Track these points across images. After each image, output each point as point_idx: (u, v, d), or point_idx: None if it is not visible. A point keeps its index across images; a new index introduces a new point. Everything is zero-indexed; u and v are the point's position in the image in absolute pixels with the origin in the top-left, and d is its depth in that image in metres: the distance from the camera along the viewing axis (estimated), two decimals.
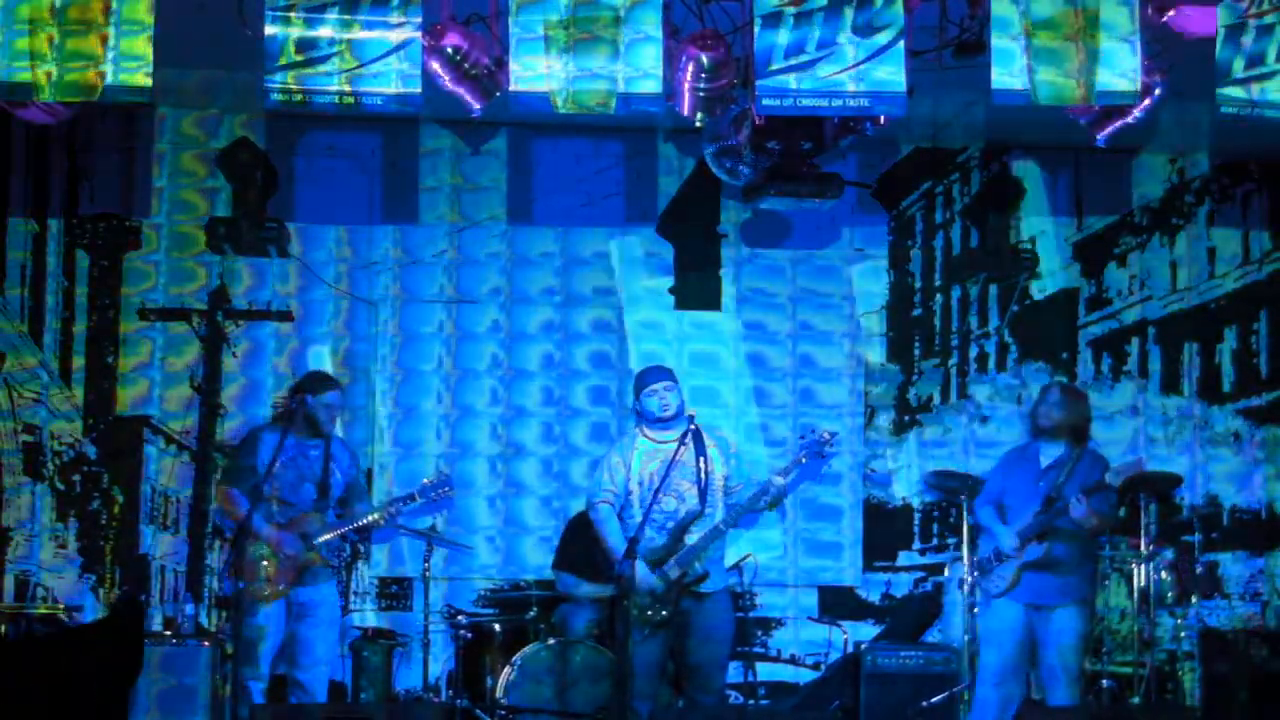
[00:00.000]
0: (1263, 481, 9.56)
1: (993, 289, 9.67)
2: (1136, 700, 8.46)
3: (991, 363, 9.63)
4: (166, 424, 9.10)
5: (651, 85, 6.28)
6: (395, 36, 6.16)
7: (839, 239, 9.56)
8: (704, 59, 6.44)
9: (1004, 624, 7.55)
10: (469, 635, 8.19)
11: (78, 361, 9.09)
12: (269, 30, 6.14)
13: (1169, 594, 8.75)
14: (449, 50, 6.34)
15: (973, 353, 9.64)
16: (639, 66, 6.24)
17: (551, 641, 8.00)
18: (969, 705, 8.06)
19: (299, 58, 6.15)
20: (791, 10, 6.22)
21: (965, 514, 8.62)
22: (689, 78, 6.51)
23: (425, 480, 7.85)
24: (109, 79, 6.07)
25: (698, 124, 7.06)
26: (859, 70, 6.24)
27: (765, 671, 9.21)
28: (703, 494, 7.34)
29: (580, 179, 9.43)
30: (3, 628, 8.09)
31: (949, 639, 8.85)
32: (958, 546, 8.87)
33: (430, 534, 8.24)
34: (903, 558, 9.48)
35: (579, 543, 8.39)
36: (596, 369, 9.38)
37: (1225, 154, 9.64)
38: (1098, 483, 7.38)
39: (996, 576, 7.56)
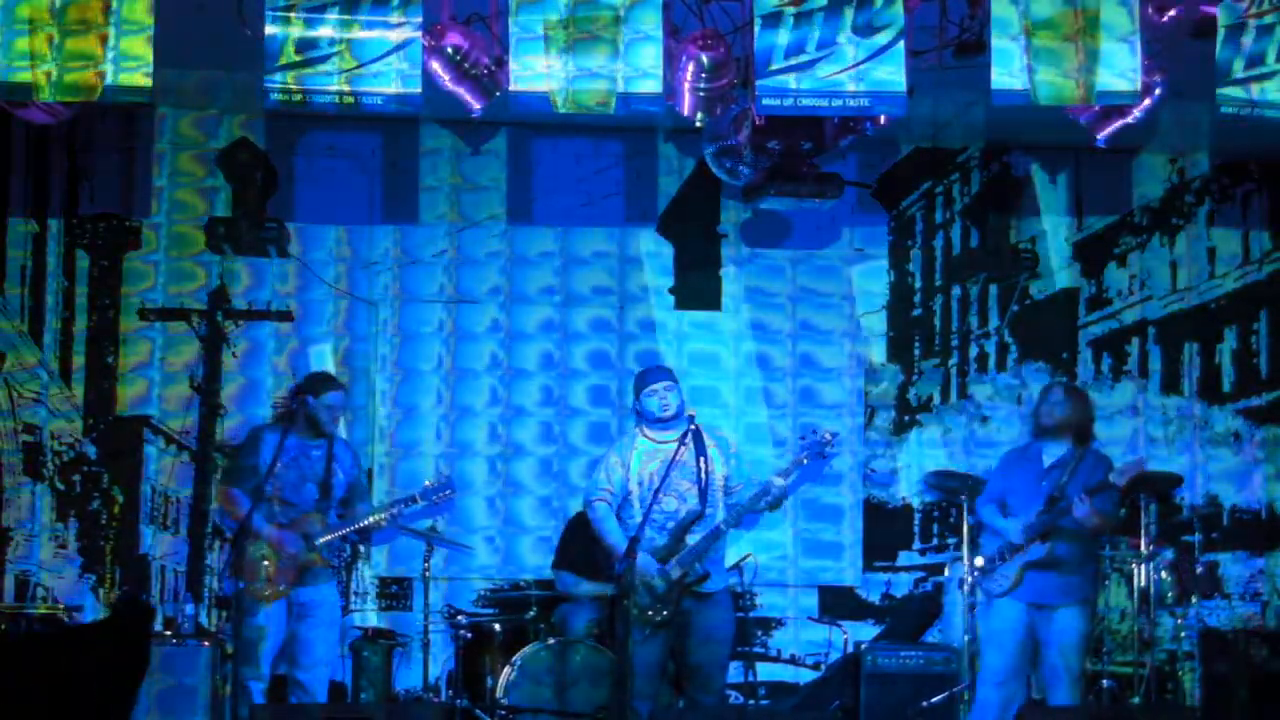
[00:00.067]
0: (1263, 481, 9.56)
1: (993, 289, 9.67)
2: (1136, 700, 8.46)
3: (991, 363, 9.63)
4: (166, 424, 9.10)
5: (651, 85, 6.28)
6: (395, 36, 6.17)
7: (839, 239, 9.56)
8: (704, 59, 6.45)
9: (1006, 624, 7.55)
10: (469, 635, 8.18)
11: (78, 361, 9.09)
12: (269, 30, 6.15)
13: (1169, 594, 8.75)
14: (449, 50, 6.34)
15: (973, 353, 9.64)
16: (639, 66, 6.24)
17: (551, 641, 8.00)
18: (969, 705, 8.06)
19: (299, 58, 6.15)
20: (791, 10, 6.22)
21: (965, 514, 8.62)
22: (689, 78, 6.51)
23: (427, 482, 7.85)
24: (109, 79, 6.07)
25: (698, 124, 7.06)
26: (859, 70, 6.24)
27: (765, 671, 9.21)
28: (703, 494, 7.34)
29: (580, 179, 9.43)
30: (3, 627, 8.10)
31: (949, 639, 8.85)
32: (958, 546, 8.87)
33: (430, 534, 8.24)
34: (903, 558, 9.48)
35: (579, 542, 8.39)
36: (596, 369, 9.38)
37: (1225, 154, 9.64)
38: (1101, 482, 7.38)
39: (999, 576, 7.56)
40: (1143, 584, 8.54)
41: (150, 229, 9.20)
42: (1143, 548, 8.59)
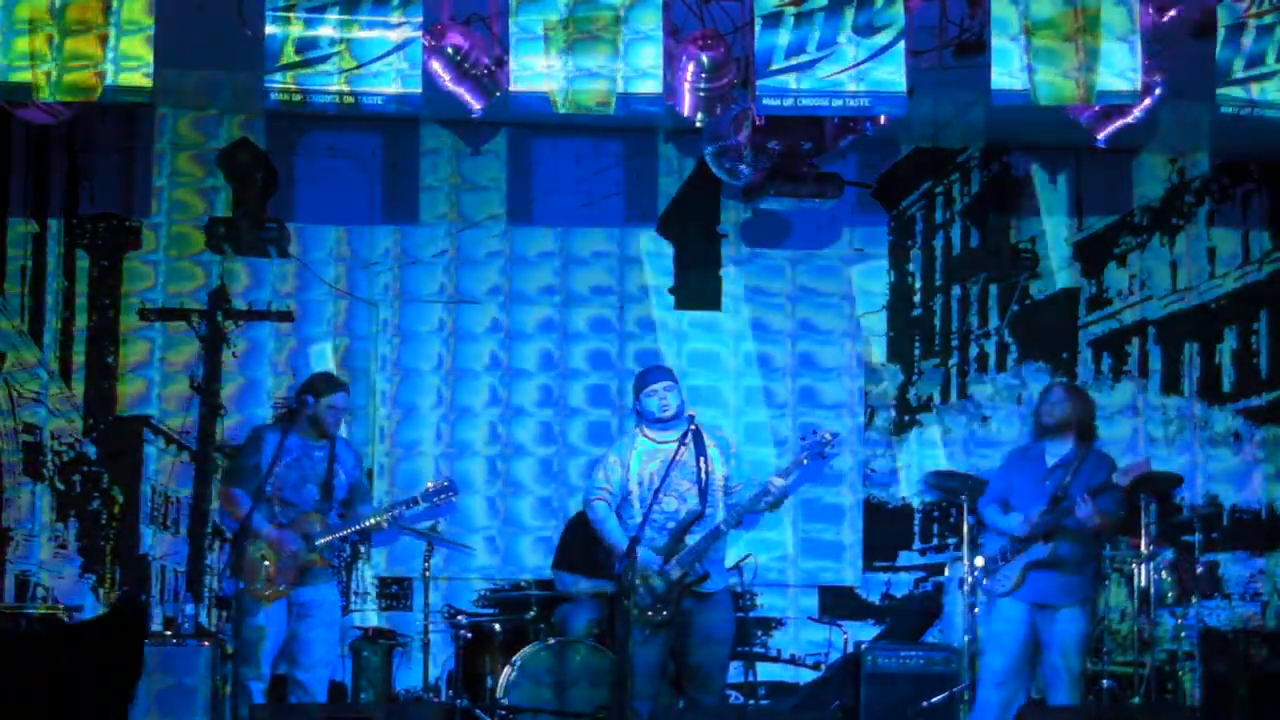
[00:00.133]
0: (1263, 481, 9.56)
1: (993, 289, 9.67)
2: (1136, 700, 8.45)
3: (991, 363, 9.63)
4: (166, 423, 9.10)
5: (651, 85, 6.28)
6: (395, 36, 6.16)
7: (839, 239, 9.55)
8: (704, 59, 6.45)
9: (1008, 624, 7.55)
10: (469, 635, 8.18)
11: (78, 361, 9.09)
12: (269, 30, 6.14)
13: (1169, 594, 8.74)
14: (449, 50, 6.34)
15: (973, 353, 9.64)
16: (639, 66, 6.24)
17: (551, 641, 8.00)
18: (969, 705, 8.06)
19: (298, 58, 6.15)
20: (791, 10, 6.22)
21: (965, 514, 8.62)
22: (689, 78, 6.51)
23: (429, 484, 7.84)
24: (108, 79, 6.07)
25: (698, 124, 7.06)
26: (859, 70, 6.23)
27: (765, 671, 9.21)
28: (703, 494, 7.34)
29: (580, 179, 9.43)
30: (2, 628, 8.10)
31: (949, 639, 8.84)
32: (958, 546, 8.87)
33: (431, 534, 8.24)
34: (903, 558, 9.48)
35: (578, 542, 8.39)
36: (596, 369, 9.38)
37: (1225, 154, 9.64)
38: (1104, 483, 7.39)
39: (1002, 576, 7.56)
40: (1143, 584, 8.54)
41: (150, 229, 9.20)
42: (1143, 548, 8.59)
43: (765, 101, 6.29)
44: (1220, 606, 9.39)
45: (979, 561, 7.81)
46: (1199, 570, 9.17)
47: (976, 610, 8.26)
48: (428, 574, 8.11)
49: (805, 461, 7.44)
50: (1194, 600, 9.13)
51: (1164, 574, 8.69)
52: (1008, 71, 6.24)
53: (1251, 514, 9.55)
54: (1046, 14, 6.23)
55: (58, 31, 6.06)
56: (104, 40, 6.06)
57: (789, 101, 6.29)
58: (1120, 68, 6.25)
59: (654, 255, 9.47)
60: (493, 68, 6.42)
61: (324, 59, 6.15)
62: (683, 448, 7.26)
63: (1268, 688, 8.19)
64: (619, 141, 9.39)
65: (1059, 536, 7.43)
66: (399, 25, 6.16)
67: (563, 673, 7.88)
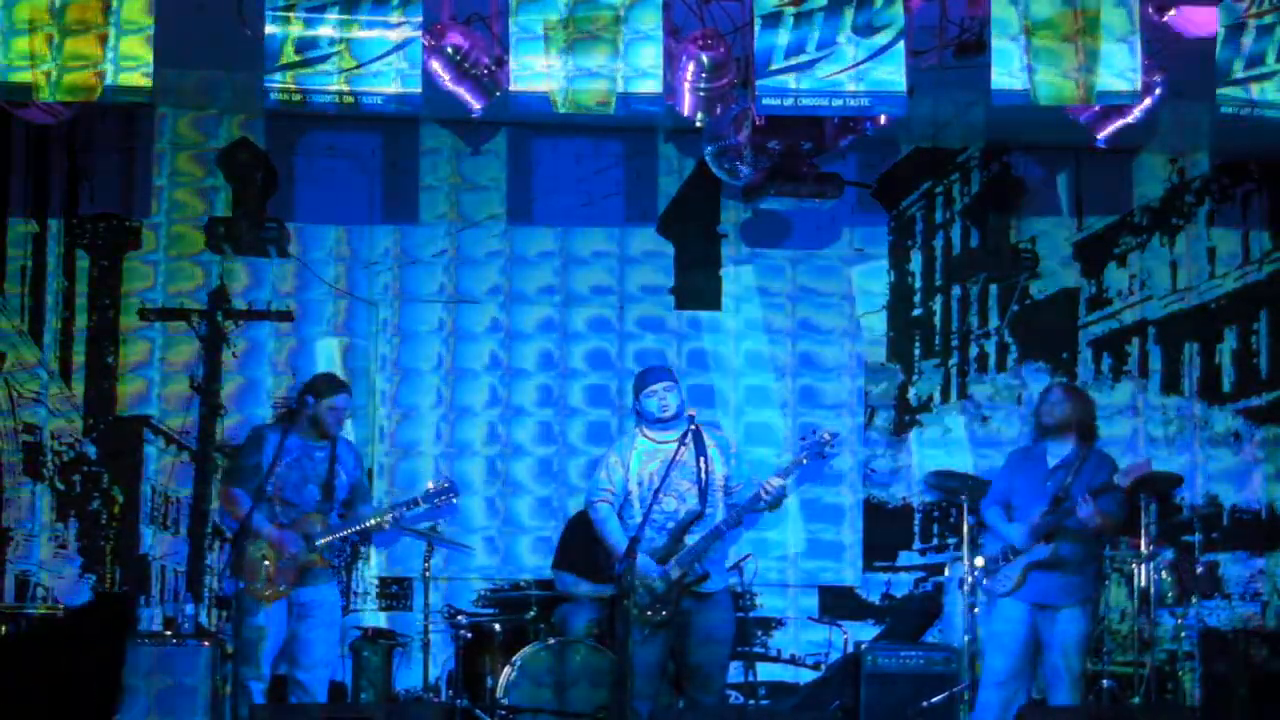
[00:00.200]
0: (1263, 481, 9.56)
1: (993, 289, 9.67)
2: (1136, 700, 8.45)
3: (991, 363, 9.63)
4: (166, 423, 9.10)
5: (651, 85, 6.28)
6: (395, 36, 6.16)
7: (839, 239, 9.55)
8: (704, 59, 6.44)
9: (1009, 625, 7.55)
10: (469, 635, 8.18)
11: (77, 361, 9.09)
12: (269, 30, 6.14)
13: (1169, 594, 8.74)
14: (449, 50, 6.34)
15: (973, 353, 9.64)
16: (639, 66, 6.24)
17: (551, 641, 8.00)
18: (969, 705, 8.06)
19: (298, 57, 6.15)
20: (791, 10, 6.22)
21: (965, 514, 8.62)
22: (689, 78, 6.51)
23: (429, 485, 7.83)
24: (108, 79, 6.07)
25: (698, 124, 7.06)
26: (859, 70, 6.23)
27: (765, 671, 9.20)
28: (703, 494, 7.33)
29: (580, 179, 9.43)
30: (2, 628, 8.09)
31: (949, 639, 8.84)
32: (958, 546, 8.87)
33: (431, 534, 8.23)
34: (903, 558, 9.47)
35: (579, 542, 8.39)
36: (596, 369, 9.38)
37: (1225, 154, 9.64)
38: (1105, 483, 7.39)
39: (1003, 576, 7.56)
40: (1143, 584, 8.54)
41: (150, 229, 9.20)
42: (1143, 548, 8.59)
43: (765, 101, 6.29)
44: (1220, 606, 9.39)
45: (979, 561, 7.81)
46: (1199, 570, 9.17)
47: (976, 610, 8.26)
48: (428, 574, 8.11)
49: (805, 461, 7.44)
50: (1194, 600, 9.13)
51: (1164, 574, 8.69)
52: (1008, 71, 6.24)
53: (1251, 514, 9.55)
54: (1046, 14, 6.23)
55: (57, 32, 6.06)
56: (103, 40, 6.06)
57: (789, 101, 6.29)
58: (1120, 68, 6.25)
59: (654, 255, 9.46)
60: (493, 67, 6.42)
61: (324, 59, 6.15)
62: (683, 448, 7.26)
63: (1268, 688, 8.19)
64: (619, 141, 9.39)
65: (1060, 537, 7.43)
66: (399, 25, 6.16)
67: (563, 673, 7.88)
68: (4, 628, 8.11)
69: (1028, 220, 9.68)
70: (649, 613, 7.22)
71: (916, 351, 9.62)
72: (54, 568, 8.97)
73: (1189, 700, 9.04)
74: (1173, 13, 6.37)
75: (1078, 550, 7.48)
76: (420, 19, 6.19)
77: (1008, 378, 9.60)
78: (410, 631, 8.66)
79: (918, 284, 9.66)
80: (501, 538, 9.21)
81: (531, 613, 8.27)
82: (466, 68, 6.39)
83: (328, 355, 9.18)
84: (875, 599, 9.44)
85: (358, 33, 6.15)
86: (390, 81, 6.17)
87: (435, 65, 6.37)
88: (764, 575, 8.67)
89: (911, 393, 9.58)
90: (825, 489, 9.36)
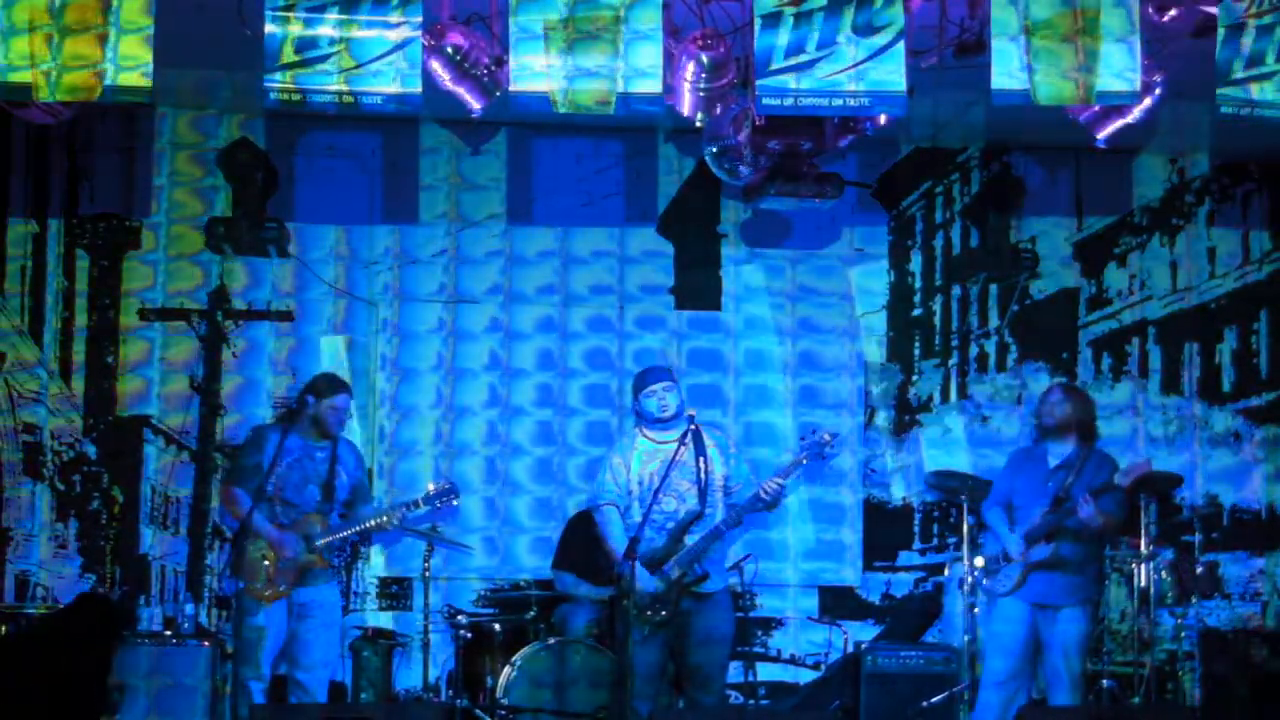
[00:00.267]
0: (1262, 481, 9.56)
1: (993, 289, 9.67)
2: (1136, 700, 8.45)
3: (991, 363, 9.63)
4: (166, 423, 9.10)
5: (651, 85, 6.28)
6: (394, 36, 6.16)
7: (839, 239, 9.55)
8: (704, 59, 6.44)
9: (1010, 625, 7.55)
10: (469, 635, 8.18)
11: (77, 361, 9.09)
12: (268, 29, 6.14)
13: (1169, 594, 8.74)
14: (449, 50, 6.34)
15: (973, 353, 9.64)
16: (638, 66, 6.23)
17: (551, 641, 8.00)
18: (969, 705, 8.06)
19: (298, 57, 6.15)
20: (791, 10, 6.22)
21: (965, 514, 8.62)
22: (689, 77, 6.51)
23: (430, 487, 7.82)
24: (108, 80, 6.07)
25: (698, 124, 7.06)
26: (859, 70, 6.23)
27: (765, 671, 9.21)
28: (702, 494, 7.33)
29: (580, 179, 9.43)
30: (2, 628, 8.10)
31: (949, 639, 8.84)
32: (958, 546, 8.88)
33: (431, 534, 8.23)
34: (903, 558, 9.48)
35: (579, 543, 8.39)
36: (596, 369, 9.38)
37: (1225, 154, 9.64)
38: (1106, 483, 7.39)
39: (1003, 576, 7.56)
40: (1143, 584, 8.54)
41: (150, 229, 9.20)
42: (1143, 548, 8.59)
43: (765, 101, 6.29)
44: (1220, 606, 9.39)
45: (979, 561, 7.81)
46: (1199, 570, 9.17)
47: (976, 610, 8.27)
48: (427, 574, 8.11)
49: (804, 462, 7.43)
50: (1194, 600, 9.13)
51: (1164, 574, 8.69)
52: (1008, 71, 6.24)
53: (1251, 514, 9.56)
54: (1046, 14, 6.23)
55: (57, 32, 6.06)
56: (103, 41, 6.06)
57: (789, 101, 6.29)
58: (1119, 68, 6.25)
59: (654, 255, 9.46)
60: (492, 67, 6.42)
61: (323, 59, 6.15)
62: (682, 448, 7.25)
63: (1268, 688, 8.20)
64: (619, 141, 9.39)
65: (1061, 537, 7.43)
66: (398, 25, 6.16)
67: (562, 673, 7.87)
68: (2, 628, 8.11)
69: (1028, 220, 9.68)
70: (648, 613, 7.22)
71: (916, 351, 9.62)
72: (54, 568, 8.97)
73: (1189, 700, 9.04)
74: (1173, 13, 6.37)
75: (1078, 550, 7.48)
76: (420, 19, 6.19)
77: (1008, 378, 9.60)
78: (410, 631, 8.66)
79: (918, 284, 9.67)
80: (501, 538, 9.21)
81: (531, 613, 8.27)
82: (466, 68, 6.39)
83: (332, 354, 9.18)
84: (875, 599, 9.44)
85: (357, 33, 6.14)
86: (390, 81, 6.17)
87: (435, 65, 6.37)
88: (763, 575, 8.66)
89: (911, 393, 9.58)
90: (825, 489, 9.36)
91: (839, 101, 6.31)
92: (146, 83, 6.09)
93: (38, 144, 9.05)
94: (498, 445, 9.27)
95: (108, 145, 9.14)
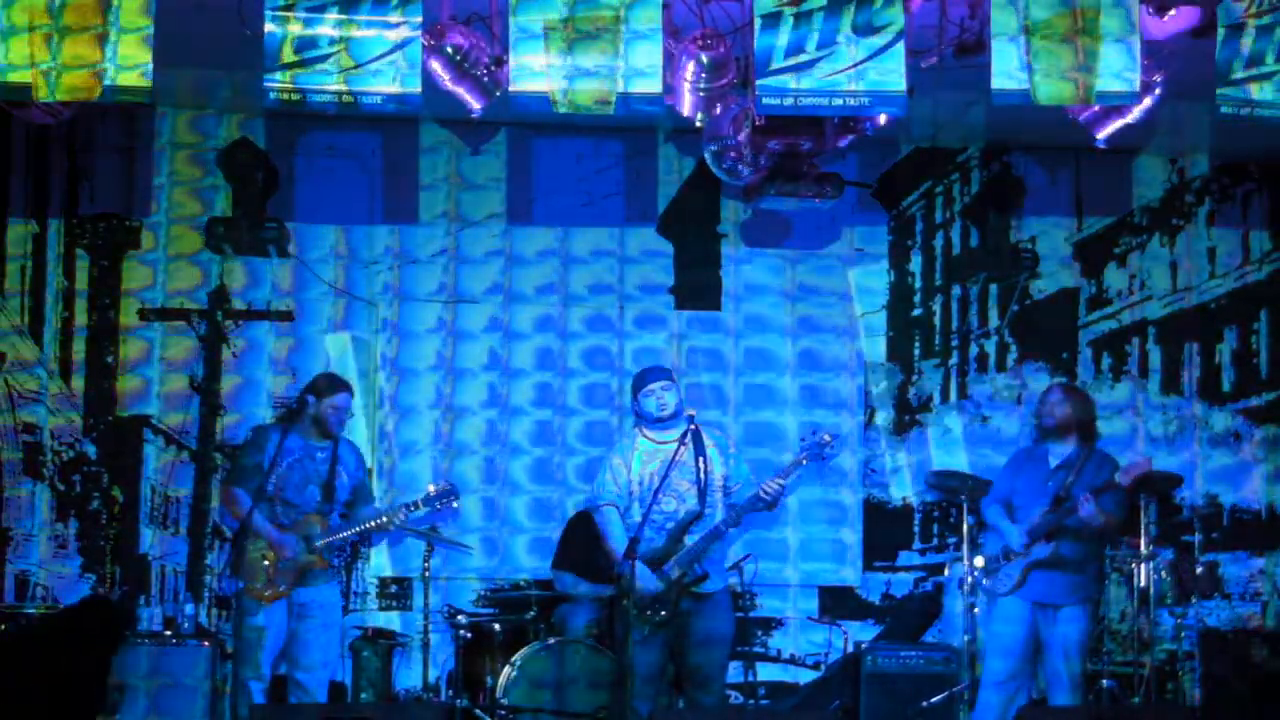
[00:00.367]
0: (1262, 481, 9.56)
1: (993, 289, 9.67)
2: (1137, 700, 8.45)
3: (991, 363, 9.63)
4: (165, 423, 9.10)
5: (651, 85, 6.28)
6: (394, 36, 6.16)
7: (839, 239, 9.55)
8: (704, 59, 6.44)
9: (1010, 625, 7.55)
10: (469, 635, 8.18)
11: (77, 361, 9.09)
12: (268, 29, 6.14)
13: (1169, 594, 8.74)
14: (449, 50, 6.33)
15: (973, 353, 9.64)
16: (638, 66, 6.23)
17: (551, 641, 8.00)
18: (969, 705, 8.06)
19: (298, 57, 6.15)
20: (791, 10, 6.22)
21: (965, 514, 8.63)
22: (689, 77, 6.51)
23: (430, 489, 7.82)
24: (107, 80, 6.07)
25: (698, 124, 7.06)
26: (859, 70, 6.23)
27: (765, 671, 9.21)
28: (702, 494, 7.33)
29: (580, 179, 9.43)
30: (2, 627, 8.10)
31: (949, 639, 8.85)
32: (958, 546, 8.88)
33: (431, 534, 8.22)
34: (903, 558, 9.47)
35: (579, 542, 8.39)
36: (595, 369, 9.38)
37: (1225, 154, 9.64)
38: (1107, 482, 7.40)
39: (1003, 575, 7.57)
40: (1143, 584, 8.54)
41: (150, 229, 9.20)
42: (1143, 548, 8.59)
43: (765, 101, 6.29)
44: (1220, 606, 9.39)
45: (979, 561, 7.81)
46: (1199, 570, 9.17)
47: (976, 610, 8.27)
48: (427, 574, 8.11)
49: (804, 462, 7.43)
50: (1194, 600, 9.13)
51: (1164, 574, 8.69)
52: (1008, 71, 6.24)
53: (1251, 514, 9.56)
54: (1046, 14, 6.23)
55: (56, 32, 6.06)
56: (102, 41, 6.06)
57: (789, 101, 6.29)
58: (1119, 68, 6.25)
59: (654, 255, 9.46)
60: (492, 67, 6.42)
61: (323, 58, 6.15)
62: (682, 448, 7.25)
63: (1268, 688, 8.20)
64: (619, 141, 9.39)
65: (1061, 536, 7.43)
66: (398, 25, 6.16)
67: (562, 673, 7.87)
68: (1, 626, 8.11)
69: (1028, 220, 9.68)
70: (648, 613, 7.22)
71: (916, 351, 9.62)
72: (54, 567, 8.97)
73: (1189, 700, 9.03)
74: (1172, 13, 6.37)
75: (1079, 549, 7.48)
76: (420, 19, 6.19)
77: (1008, 378, 9.60)
78: (410, 631, 8.66)
79: (918, 284, 9.67)
80: (500, 538, 9.21)
81: (531, 613, 8.27)
82: (466, 68, 6.38)
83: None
84: (875, 599, 9.44)
85: (357, 32, 6.14)
86: (390, 81, 6.17)
87: (435, 65, 6.36)
88: (763, 575, 8.67)
89: (911, 392, 9.58)
90: (826, 489, 9.36)
91: (839, 101, 6.31)
92: (146, 83, 6.09)
93: (38, 144, 9.05)
94: (497, 445, 9.26)
95: (108, 145, 9.14)
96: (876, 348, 9.56)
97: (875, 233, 9.62)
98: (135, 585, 8.98)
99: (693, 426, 7.32)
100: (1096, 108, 6.62)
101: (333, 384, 7.81)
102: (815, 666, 9.22)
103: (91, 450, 9.05)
